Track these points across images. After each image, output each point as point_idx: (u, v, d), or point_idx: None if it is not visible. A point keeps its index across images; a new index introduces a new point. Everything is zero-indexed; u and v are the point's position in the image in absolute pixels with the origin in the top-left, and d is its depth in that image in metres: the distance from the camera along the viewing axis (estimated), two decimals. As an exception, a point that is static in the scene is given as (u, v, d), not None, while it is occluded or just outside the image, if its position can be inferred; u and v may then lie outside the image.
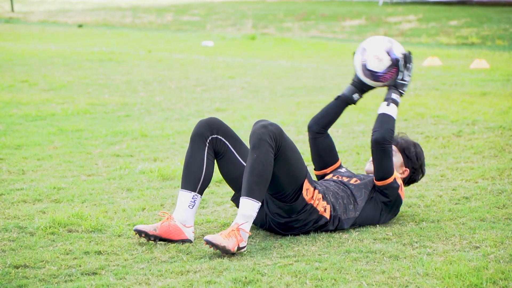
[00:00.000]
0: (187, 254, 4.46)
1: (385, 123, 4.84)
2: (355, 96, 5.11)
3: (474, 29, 21.87)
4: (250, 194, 4.49)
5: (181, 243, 4.65)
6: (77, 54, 16.89)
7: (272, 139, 4.55)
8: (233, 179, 4.89)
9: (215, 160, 4.89)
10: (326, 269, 4.13)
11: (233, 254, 4.41)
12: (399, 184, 4.90)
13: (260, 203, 4.52)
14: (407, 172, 5.12)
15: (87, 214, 5.18)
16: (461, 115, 8.59)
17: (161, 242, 4.67)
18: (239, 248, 4.43)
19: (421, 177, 5.19)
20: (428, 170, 6.32)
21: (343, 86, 11.53)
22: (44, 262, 4.33)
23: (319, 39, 20.61)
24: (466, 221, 4.94)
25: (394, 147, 5.10)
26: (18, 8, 36.22)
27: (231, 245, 4.38)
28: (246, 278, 4.01)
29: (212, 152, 4.82)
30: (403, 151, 5.11)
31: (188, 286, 3.95)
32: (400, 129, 8.03)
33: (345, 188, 4.93)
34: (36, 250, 4.52)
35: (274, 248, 4.55)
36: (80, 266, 4.27)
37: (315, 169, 5.25)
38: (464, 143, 7.27)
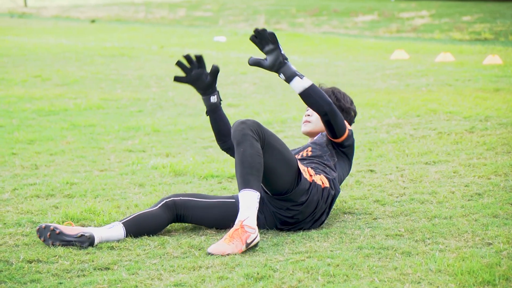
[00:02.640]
0: (199, 249, 4.47)
1: (319, 91, 4.82)
2: (212, 98, 5.08)
3: (487, 24, 21.78)
4: (246, 185, 4.46)
5: (80, 241, 4.49)
6: (90, 49, 16.93)
7: (253, 132, 4.57)
8: (211, 220, 4.86)
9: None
10: (338, 265, 4.12)
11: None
12: (351, 129, 5.07)
13: (258, 193, 4.47)
14: None
15: (100, 209, 5.19)
16: (474, 111, 8.56)
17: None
18: (247, 245, 4.40)
19: (354, 116, 5.33)
20: (440, 166, 6.31)
21: (355, 82, 11.52)
22: (57, 257, 4.34)
23: (332, 35, 20.57)
24: (478, 218, 4.93)
25: None
26: (31, 3, 36.32)
27: (236, 249, 4.35)
28: (258, 274, 4.01)
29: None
30: None
31: (200, 281, 3.96)
32: (413, 125, 8.02)
33: (313, 159, 5.02)
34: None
35: (286, 244, 4.55)
36: (92, 261, 4.29)
37: None
38: (477, 139, 7.25)
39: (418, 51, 15.94)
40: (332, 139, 5.03)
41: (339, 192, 4.91)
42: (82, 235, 4.50)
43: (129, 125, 8.42)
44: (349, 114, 5.27)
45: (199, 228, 4.89)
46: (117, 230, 4.63)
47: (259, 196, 4.49)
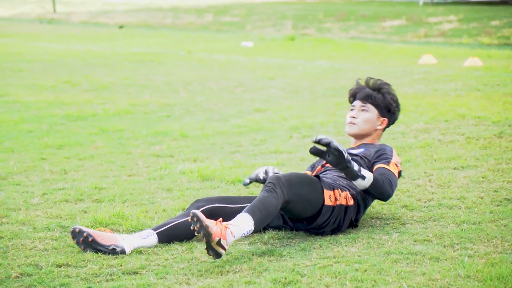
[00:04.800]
0: (227, 254, 4.47)
1: (379, 187, 4.80)
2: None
3: (516, 29, 21.64)
4: (251, 214, 4.40)
5: (112, 253, 4.48)
6: (118, 55, 17.02)
7: (282, 191, 4.52)
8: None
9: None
10: (366, 271, 4.12)
11: (210, 246, 4.19)
12: (398, 171, 5.00)
13: (253, 227, 4.37)
14: (385, 121, 5.23)
15: (128, 214, 5.22)
16: (503, 116, 8.51)
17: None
18: (218, 243, 4.19)
19: (398, 113, 5.29)
20: (469, 171, 6.28)
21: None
22: (86, 261, 4.37)
23: (359, 40, 20.54)
24: (508, 223, 4.90)
25: (364, 104, 5.19)
26: (60, 9, 36.59)
27: (214, 230, 4.17)
28: (285, 278, 4.02)
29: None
30: (372, 103, 5.19)
31: (228, 286, 3.97)
32: (441, 130, 7.98)
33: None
34: (78, 249, 4.57)
35: (314, 249, 4.55)
36: (121, 265, 4.31)
37: None
38: (506, 144, 7.20)
39: (446, 56, 15.87)
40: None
41: (362, 206, 4.94)
42: (113, 248, 4.49)
43: (157, 130, 8.46)
44: (394, 114, 5.28)
45: (226, 233, 4.89)
46: (151, 241, 4.63)
47: (252, 230, 4.38)
